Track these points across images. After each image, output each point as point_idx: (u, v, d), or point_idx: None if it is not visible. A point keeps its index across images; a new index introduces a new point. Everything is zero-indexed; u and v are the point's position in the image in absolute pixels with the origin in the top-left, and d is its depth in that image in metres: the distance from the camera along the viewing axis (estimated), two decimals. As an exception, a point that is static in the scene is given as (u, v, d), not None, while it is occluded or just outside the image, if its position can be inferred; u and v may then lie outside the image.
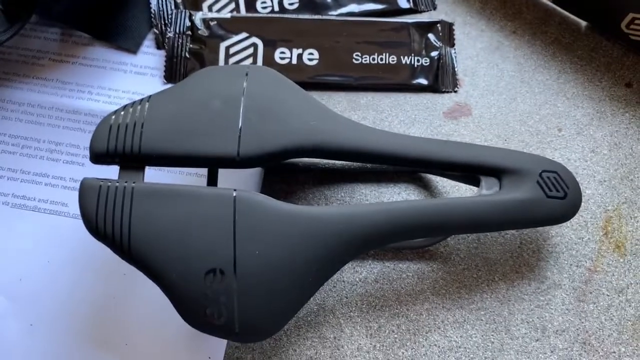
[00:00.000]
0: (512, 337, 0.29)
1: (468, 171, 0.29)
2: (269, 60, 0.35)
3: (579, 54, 0.36)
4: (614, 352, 0.29)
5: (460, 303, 0.30)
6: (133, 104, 0.27)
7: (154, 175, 0.32)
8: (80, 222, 0.31)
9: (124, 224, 0.25)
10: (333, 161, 0.33)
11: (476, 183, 0.30)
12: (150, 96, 0.28)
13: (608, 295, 0.30)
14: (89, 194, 0.26)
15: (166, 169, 0.33)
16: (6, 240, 0.31)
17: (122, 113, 0.27)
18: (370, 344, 0.29)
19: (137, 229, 0.25)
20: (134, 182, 0.26)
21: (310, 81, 0.35)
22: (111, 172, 0.27)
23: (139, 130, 0.27)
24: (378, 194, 0.33)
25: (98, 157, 0.27)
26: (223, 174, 0.29)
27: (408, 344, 0.29)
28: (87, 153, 0.33)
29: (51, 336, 0.29)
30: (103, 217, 0.25)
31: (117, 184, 0.26)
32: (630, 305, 0.30)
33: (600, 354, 0.29)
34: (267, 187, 0.33)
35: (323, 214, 0.26)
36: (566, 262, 0.31)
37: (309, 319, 0.30)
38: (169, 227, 0.25)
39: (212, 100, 0.28)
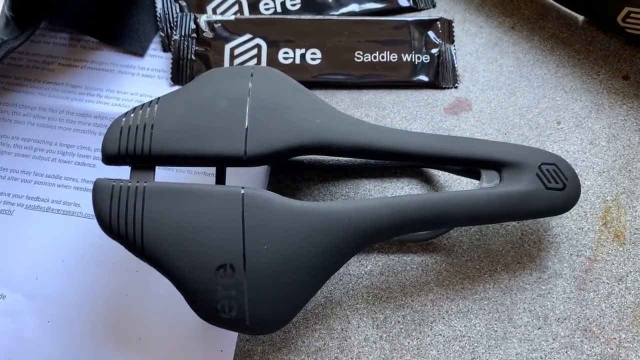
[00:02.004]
0: (515, 325, 0.30)
1: (469, 165, 0.30)
2: (272, 61, 0.36)
3: (577, 48, 0.37)
4: (615, 339, 0.30)
5: (464, 293, 0.31)
6: (142, 106, 0.28)
7: (163, 175, 0.33)
8: (92, 222, 0.32)
9: (136, 222, 0.26)
10: (337, 158, 0.33)
11: (477, 176, 0.30)
12: (158, 98, 0.29)
13: (608, 284, 0.31)
14: (102, 193, 0.26)
15: (175, 169, 0.33)
16: (22, 240, 0.32)
17: (132, 115, 0.28)
18: (377, 334, 0.30)
19: (149, 226, 0.26)
20: (145, 182, 0.27)
21: (313, 80, 0.35)
22: (122, 173, 0.28)
23: (149, 131, 0.28)
24: (382, 189, 0.33)
25: (110, 158, 0.27)
26: (230, 172, 0.30)
27: (414, 334, 0.30)
28: (98, 154, 0.34)
29: (67, 332, 0.30)
30: (116, 216, 0.26)
31: (129, 183, 0.27)
32: (630, 293, 0.31)
33: (602, 340, 0.30)
34: (274, 184, 0.33)
35: (328, 209, 0.27)
36: (566, 251, 0.32)
37: (317, 311, 0.31)
38: (180, 224, 0.26)
39: (219, 101, 0.28)
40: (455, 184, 0.33)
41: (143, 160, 0.28)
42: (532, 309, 0.31)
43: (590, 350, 0.30)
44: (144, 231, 0.26)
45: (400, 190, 0.33)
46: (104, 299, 0.31)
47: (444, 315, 0.31)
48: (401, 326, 0.30)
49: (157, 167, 0.28)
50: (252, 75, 0.30)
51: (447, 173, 0.33)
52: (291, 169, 0.34)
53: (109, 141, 0.27)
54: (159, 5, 0.37)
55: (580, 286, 0.31)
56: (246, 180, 0.32)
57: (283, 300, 0.27)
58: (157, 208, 0.26)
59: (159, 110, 0.28)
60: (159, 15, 0.37)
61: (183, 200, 0.27)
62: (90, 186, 0.33)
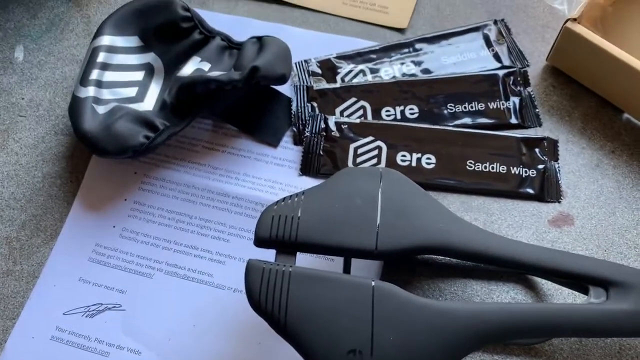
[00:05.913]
0: None
1: (577, 280, 0.32)
2: (391, 162, 0.40)
3: (675, 176, 0.40)
4: None
5: (564, 401, 0.33)
6: (290, 197, 0.32)
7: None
8: (223, 292, 0.36)
9: (282, 302, 0.29)
10: (449, 258, 0.36)
11: (582, 290, 0.33)
12: (304, 191, 0.33)
13: None
14: (254, 273, 0.30)
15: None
16: (159, 303, 0.36)
17: (282, 204, 0.32)
18: None
19: (293, 307, 0.29)
20: (290, 266, 0.30)
21: (427, 182, 0.39)
22: (258, 253, 0.31)
23: (296, 221, 0.31)
24: (488, 290, 0.36)
25: (261, 241, 0.31)
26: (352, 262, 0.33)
27: None
28: (233, 231, 0.38)
29: (194, 393, 0.33)
30: (265, 295, 0.30)
31: (277, 267, 0.30)
32: None
33: None
34: (386, 276, 0.36)
35: (450, 309, 0.30)
36: (665, 372, 0.33)
37: (423, 401, 0.33)
38: (318, 308, 0.29)
39: (355, 199, 0.32)
40: (557, 294, 0.36)
41: (288, 246, 0.31)
42: None
43: None
44: (288, 311, 0.29)
45: (506, 294, 0.36)
46: (229, 365, 0.34)
47: (544, 420, 0.32)
48: None
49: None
50: (381, 176, 0.34)
51: (551, 282, 0.36)
52: (404, 264, 0.37)
53: (262, 227, 0.31)
54: (294, 105, 0.42)
55: (678, 408, 0.32)
56: (363, 270, 0.36)
57: (401, 389, 0.29)
58: (301, 291, 0.30)
59: (304, 202, 0.32)
60: (293, 113, 0.41)
61: (322, 286, 0.30)
62: (223, 259, 0.37)
